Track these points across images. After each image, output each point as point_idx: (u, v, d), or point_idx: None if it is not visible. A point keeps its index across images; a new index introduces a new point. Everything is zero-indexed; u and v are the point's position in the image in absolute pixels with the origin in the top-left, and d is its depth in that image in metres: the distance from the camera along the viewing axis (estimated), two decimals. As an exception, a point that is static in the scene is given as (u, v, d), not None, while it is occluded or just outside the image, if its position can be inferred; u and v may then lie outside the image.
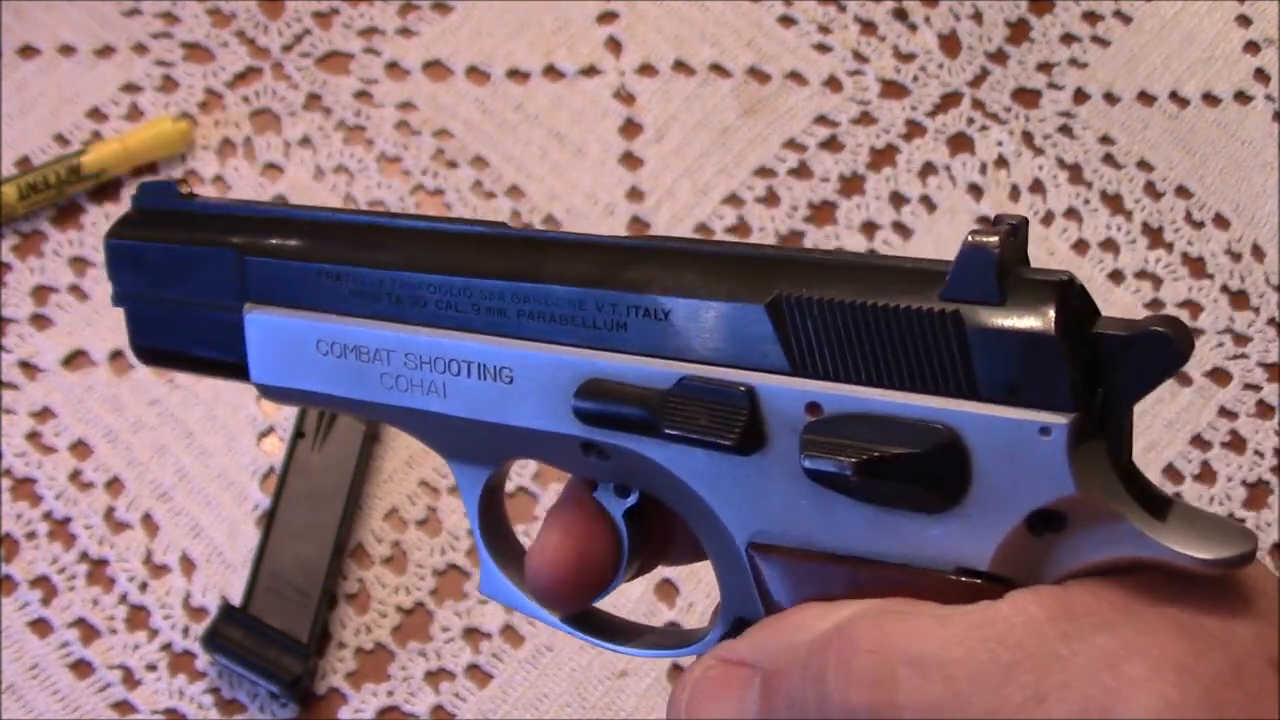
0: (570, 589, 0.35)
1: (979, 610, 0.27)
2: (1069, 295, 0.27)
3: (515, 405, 0.32)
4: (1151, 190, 0.81)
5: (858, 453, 0.27)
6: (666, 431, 0.30)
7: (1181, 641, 0.25)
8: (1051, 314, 0.26)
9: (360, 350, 0.34)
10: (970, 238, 0.27)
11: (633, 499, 0.34)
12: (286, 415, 0.69)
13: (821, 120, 0.80)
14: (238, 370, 0.37)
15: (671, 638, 0.36)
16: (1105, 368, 0.27)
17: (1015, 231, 0.28)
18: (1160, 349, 0.26)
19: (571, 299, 0.31)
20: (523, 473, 0.69)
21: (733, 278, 0.30)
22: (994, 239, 0.27)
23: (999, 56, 0.84)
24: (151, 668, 0.64)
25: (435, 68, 0.80)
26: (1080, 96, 0.83)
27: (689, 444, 0.30)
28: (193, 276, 0.37)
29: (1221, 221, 0.80)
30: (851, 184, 0.79)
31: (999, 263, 0.27)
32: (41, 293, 0.72)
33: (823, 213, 0.78)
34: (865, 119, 0.81)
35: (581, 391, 0.31)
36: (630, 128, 0.79)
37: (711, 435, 0.29)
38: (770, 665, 0.29)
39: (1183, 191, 0.81)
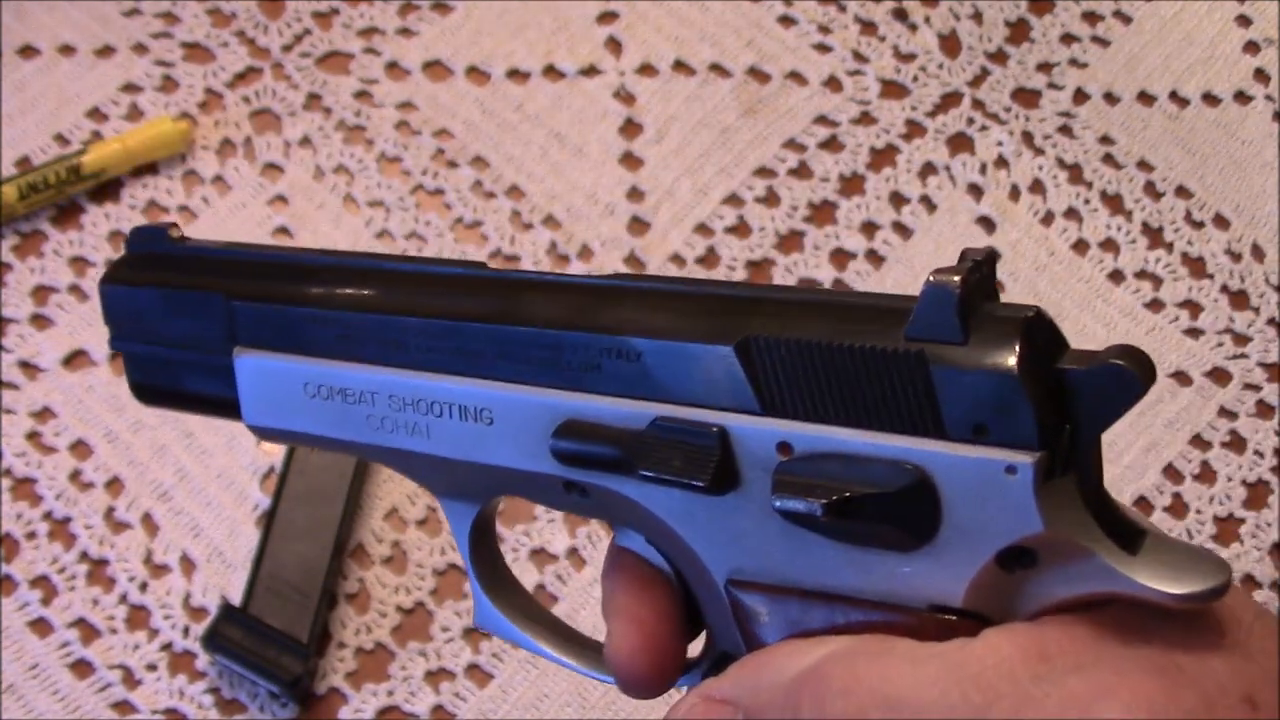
0: (654, 672, 0.35)
1: (953, 650, 0.27)
2: (1034, 331, 0.27)
3: (495, 445, 0.33)
4: (1151, 190, 0.81)
5: (827, 493, 0.27)
6: (641, 473, 0.30)
7: (1154, 680, 0.25)
8: (1014, 352, 0.26)
9: (346, 392, 0.35)
10: (932, 276, 0.27)
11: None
12: (286, 415, 0.69)
13: (821, 120, 0.80)
14: (232, 409, 0.37)
15: None
16: (1070, 402, 0.27)
17: (980, 268, 0.28)
18: (1122, 382, 0.26)
19: (546, 341, 0.32)
20: (523, 473, 0.69)
21: (703, 318, 0.30)
22: (956, 278, 0.27)
23: (999, 56, 0.83)
24: (151, 668, 0.64)
25: (435, 68, 0.80)
26: (1080, 96, 0.83)
27: (664, 484, 0.30)
28: (183, 320, 0.37)
29: (1221, 221, 0.80)
30: (851, 184, 0.79)
31: (961, 301, 0.27)
32: (41, 293, 0.72)
33: (823, 213, 0.78)
34: (865, 119, 0.81)
35: (558, 432, 0.32)
36: (630, 128, 0.79)
37: (685, 476, 0.30)
38: (750, 703, 0.29)
39: (1183, 191, 0.81)
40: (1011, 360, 0.26)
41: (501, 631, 0.37)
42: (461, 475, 0.34)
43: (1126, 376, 0.26)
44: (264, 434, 0.38)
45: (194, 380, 0.38)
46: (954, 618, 0.27)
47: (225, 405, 0.37)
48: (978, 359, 0.27)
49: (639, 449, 0.30)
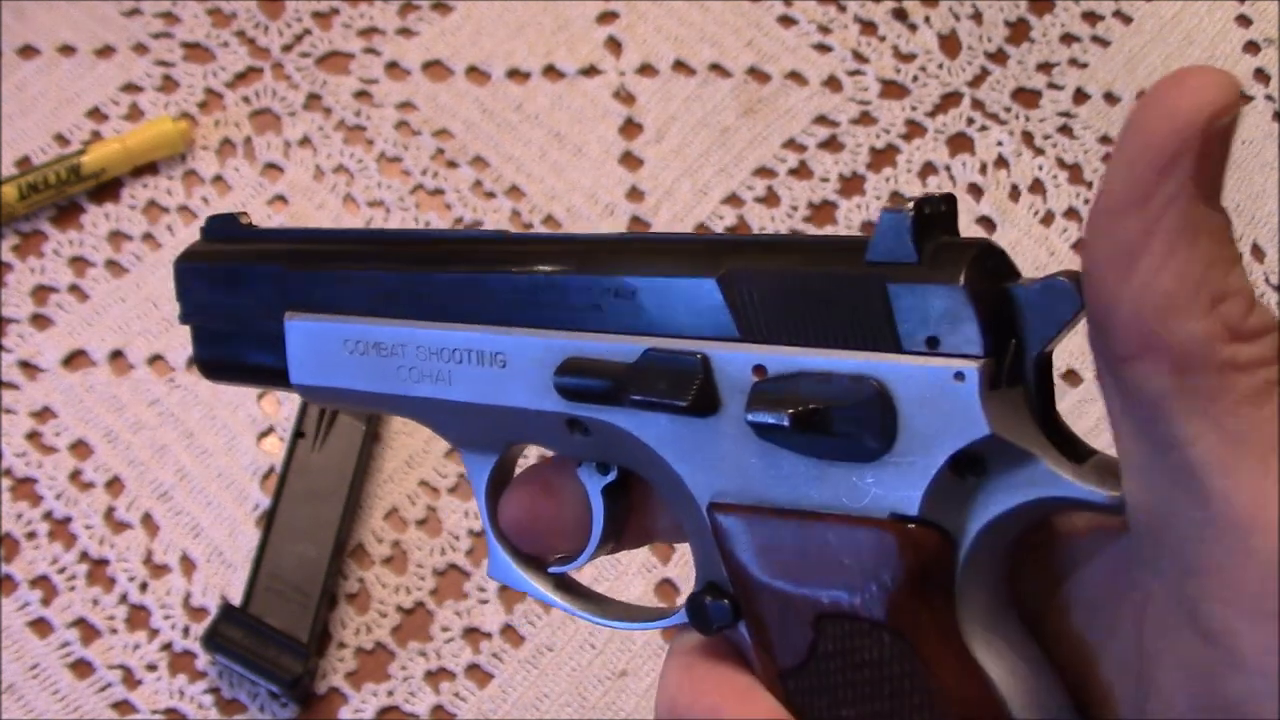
0: (529, 541, 0.38)
1: None
2: (984, 255, 0.29)
3: (508, 387, 0.35)
4: (1151, 190, 0.81)
5: (794, 405, 0.30)
6: (632, 398, 0.33)
7: None
8: (963, 269, 0.28)
9: (380, 346, 0.37)
10: (887, 204, 0.29)
11: (611, 476, 0.36)
12: (286, 415, 0.69)
13: (821, 120, 0.80)
14: (284, 378, 0.40)
15: (647, 612, 0.39)
16: (1016, 318, 0.29)
17: (937, 203, 0.30)
18: (1061, 294, 0.28)
19: (554, 285, 0.34)
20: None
21: (691, 258, 0.33)
22: (909, 204, 0.29)
23: (999, 56, 0.83)
24: (152, 667, 0.64)
25: (435, 68, 0.80)
26: (1080, 96, 0.83)
27: (653, 409, 0.33)
28: (245, 290, 0.40)
29: (1221, 221, 0.80)
30: (851, 184, 0.79)
31: (914, 224, 0.29)
32: (41, 293, 0.72)
33: (823, 213, 0.78)
34: (865, 119, 0.81)
35: (561, 369, 0.34)
36: (630, 128, 0.79)
37: (669, 398, 0.32)
38: None
39: (1183, 191, 0.81)
40: (960, 275, 0.28)
41: (513, 581, 0.39)
42: (480, 421, 0.37)
43: (1062, 288, 0.28)
44: (309, 393, 0.40)
45: (250, 348, 0.41)
46: (913, 525, 0.29)
47: (276, 372, 0.40)
48: (929, 275, 0.29)
49: (630, 377, 0.33)
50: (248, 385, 0.44)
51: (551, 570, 0.39)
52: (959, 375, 0.28)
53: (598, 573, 0.67)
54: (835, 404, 0.30)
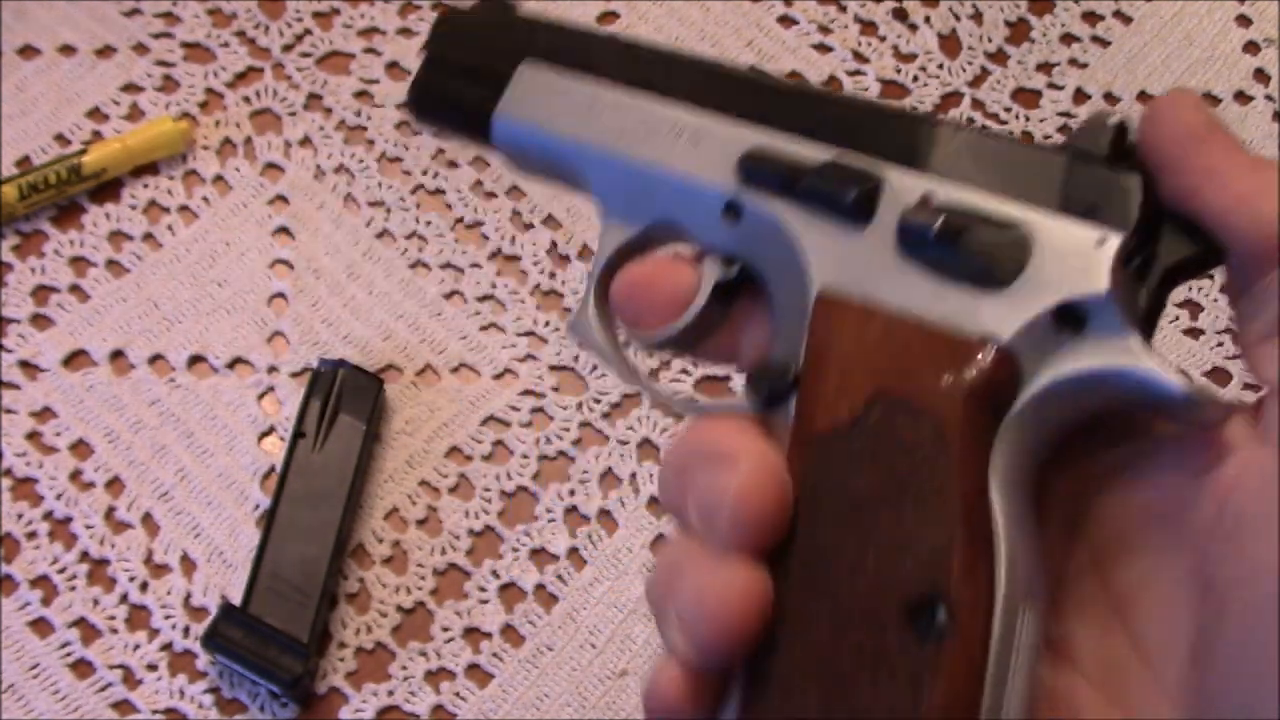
0: (629, 307, 0.37)
1: None
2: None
3: (694, 159, 0.37)
4: (1151, 190, 0.81)
5: (944, 219, 0.32)
6: (801, 188, 0.34)
7: None
8: (1141, 175, 0.31)
9: (595, 100, 0.39)
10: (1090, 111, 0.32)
11: (732, 273, 0.37)
12: (287, 415, 0.70)
13: (821, 120, 0.80)
14: (486, 118, 0.41)
15: (703, 405, 0.40)
16: (1161, 237, 0.31)
17: (1125, 131, 0.32)
18: (1211, 251, 0.30)
19: (783, 88, 0.37)
20: (523, 472, 0.69)
21: (913, 117, 0.35)
22: (1116, 113, 0.32)
23: (999, 56, 0.84)
24: (152, 667, 0.64)
25: (435, 68, 0.80)
26: (1080, 96, 0.83)
27: (815, 203, 0.34)
28: (496, 34, 0.42)
29: (1221, 221, 0.80)
30: (851, 184, 0.79)
31: (1115, 129, 0.31)
32: (41, 293, 0.72)
33: (823, 213, 0.78)
34: (865, 119, 0.80)
35: (750, 153, 0.36)
36: (630, 128, 0.79)
37: (835, 193, 0.33)
38: None
39: (1183, 191, 0.81)
40: (1138, 176, 0.31)
41: (591, 340, 0.39)
42: (642, 187, 0.38)
43: (1218, 249, 0.30)
44: (506, 131, 0.40)
45: (472, 87, 0.41)
46: (996, 349, 0.30)
47: (483, 115, 0.41)
48: (1112, 166, 0.31)
49: (808, 172, 0.34)
50: (449, 125, 0.44)
51: (632, 336, 0.39)
52: (1101, 240, 0.30)
53: (598, 572, 0.67)
54: (981, 231, 0.31)
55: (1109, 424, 0.32)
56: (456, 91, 0.42)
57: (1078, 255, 0.30)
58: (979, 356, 0.30)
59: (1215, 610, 0.26)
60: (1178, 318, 0.77)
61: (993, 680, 0.28)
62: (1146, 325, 0.31)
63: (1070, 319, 0.30)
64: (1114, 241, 0.30)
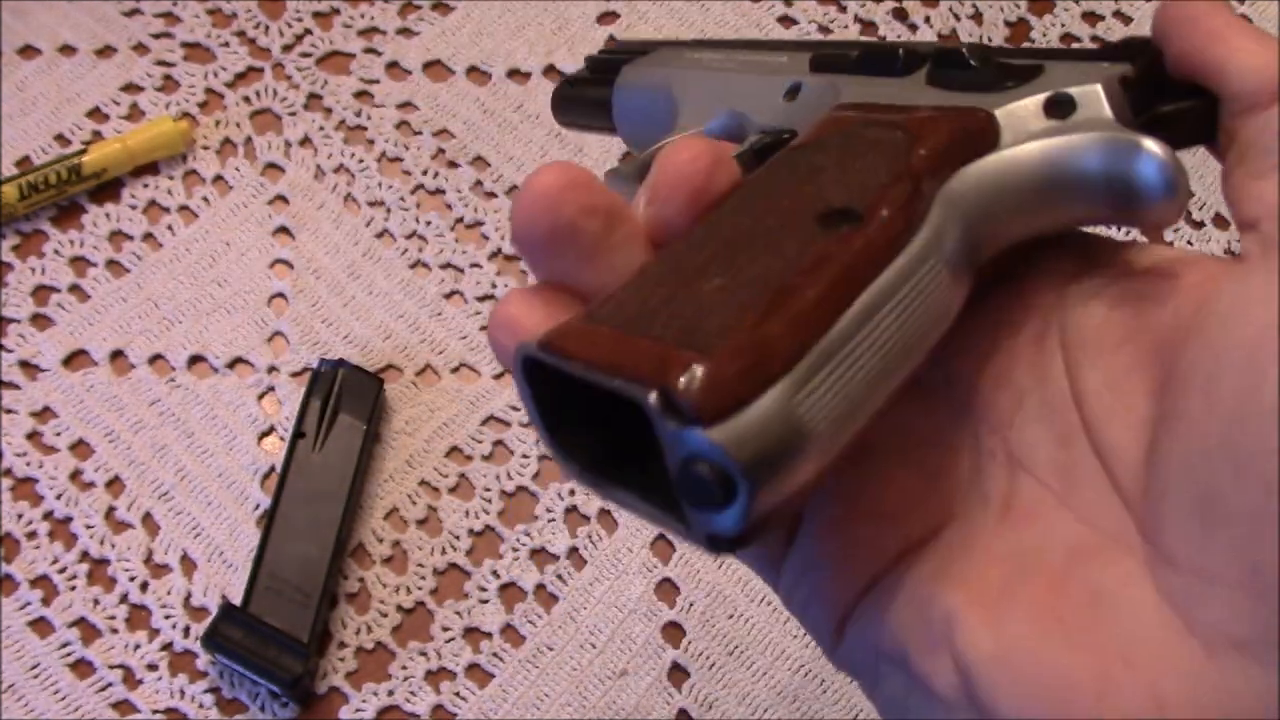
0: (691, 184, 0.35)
1: None
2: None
3: (767, 66, 0.40)
4: (1151, 190, 0.81)
5: (977, 48, 0.33)
6: (859, 59, 0.36)
7: None
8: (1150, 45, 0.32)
9: (684, 56, 0.45)
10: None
11: (767, 139, 0.38)
12: (287, 415, 0.70)
13: (821, 120, 0.80)
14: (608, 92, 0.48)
15: None
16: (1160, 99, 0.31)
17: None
18: (1207, 103, 0.30)
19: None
20: (523, 472, 0.69)
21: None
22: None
23: (999, 56, 0.83)
24: (152, 667, 0.64)
25: (436, 68, 0.80)
26: (1080, 96, 0.83)
27: (871, 66, 0.35)
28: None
29: (1221, 221, 0.80)
30: (852, 184, 0.79)
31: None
32: (41, 293, 0.72)
33: (823, 213, 0.78)
34: (865, 119, 0.81)
35: (818, 55, 0.38)
36: (630, 128, 0.79)
37: (889, 54, 0.35)
38: None
39: (1183, 191, 0.81)
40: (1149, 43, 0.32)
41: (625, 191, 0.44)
42: (723, 90, 0.41)
43: (1205, 92, 0.30)
44: (623, 89, 0.48)
45: (594, 86, 0.50)
46: (980, 111, 0.31)
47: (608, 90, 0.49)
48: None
49: (866, 52, 0.37)
50: (583, 110, 0.53)
51: None
52: (1103, 68, 0.31)
53: (598, 572, 0.67)
54: (1005, 57, 0.32)
55: (1079, 243, 0.33)
56: (584, 92, 0.52)
57: (1080, 71, 0.31)
58: (964, 111, 0.31)
59: (1170, 406, 0.27)
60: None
61: (882, 287, 0.27)
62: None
63: (1059, 106, 0.30)
64: (1114, 68, 0.31)
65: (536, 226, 0.28)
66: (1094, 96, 0.30)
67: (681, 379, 0.24)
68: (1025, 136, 0.30)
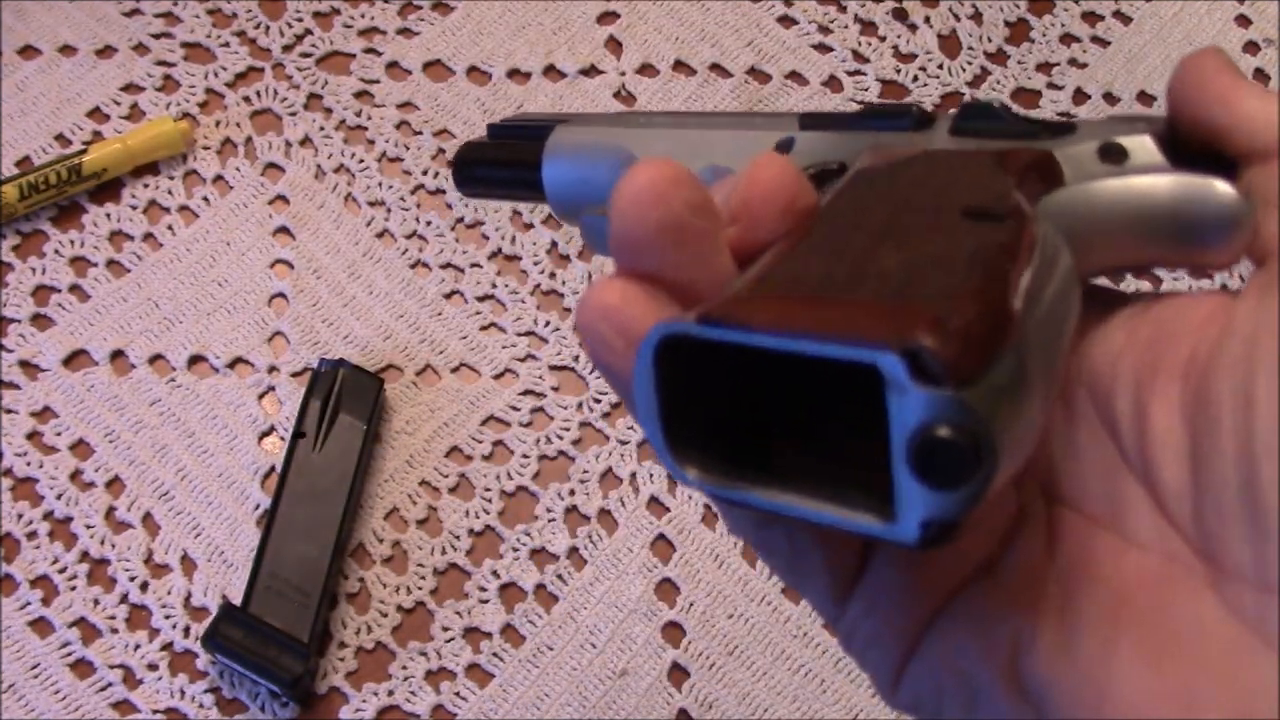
0: (785, 195, 0.33)
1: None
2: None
3: (745, 127, 0.39)
4: (1151, 190, 0.81)
5: (1000, 103, 0.34)
6: (864, 116, 0.36)
7: None
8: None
9: (635, 119, 0.42)
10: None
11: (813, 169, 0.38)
12: (287, 415, 0.70)
13: (821, 120, 0.80)
14: (535, 163, 0.44)
15: None
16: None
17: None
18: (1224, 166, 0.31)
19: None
20: (523, 472, 0.69)
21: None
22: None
23: (999, 56, 0.84)
24: (152, 667, 0.64)
25: (436, 68, 0.80)
26: (1080, 96, 0.83)
27: (880, 122, 0.36)
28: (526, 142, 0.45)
29: (1221, 221, 0.80)
30: (851, 184, 0.79)
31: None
32: (42, 293, 0.72)
33: (823, 213, 0.78)
34: (865, 119, 0.81)
35: (808, 113, 0.38)
36: (630, 128, 0.79)
37: (898, 112, 0.35)
38: None
39: (1183, 191, 0.81)
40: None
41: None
42: (700, 147, 0.40)
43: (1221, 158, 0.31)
44: (555, 165, 0.43)
45: (515, 148, 0.45)
46: (1049, 154, 0.32)
47: (534, 162, 0.44)
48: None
49: (862, 113, 0.37)
50: (498, 185, 0.48)
51: None
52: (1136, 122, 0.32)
53: (598, 572, 0.67)
54: (1026, 118, 0.33)
55: (1089, 293, 0.33)
56: (503, 152, 0.46)
57: (1109, 128, 0.32)
58: (1031, 149, 0.32)
59: (1207, 428, 0.27)
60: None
61: (1035, 274, 0.27)
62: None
63: (1113, 153, 0.31)
64: (1147, 123, 0.31)
65: (646, 222, 0.27)
66: (1146, 145, 0.31)
67: (929, 338, 0.22)
68: (1086, 177, 0.31)
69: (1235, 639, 0.25)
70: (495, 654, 0.66)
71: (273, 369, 0.71)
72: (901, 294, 0.24)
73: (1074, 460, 0.31)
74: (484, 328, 0.73)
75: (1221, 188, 0.29)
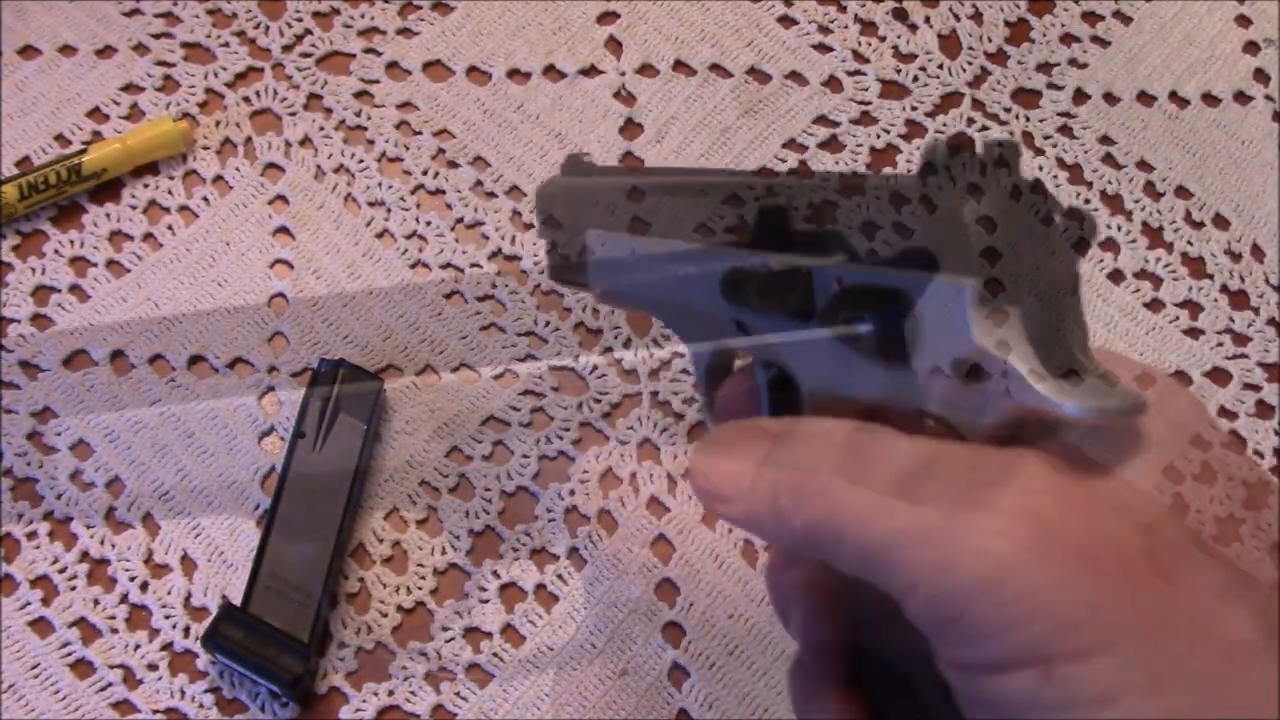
0: (730, 419, 0.43)
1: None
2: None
3: (707, 294, 0.44)
4: (1151, 190, 0.81)
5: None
6: (758, 302, 0.41)
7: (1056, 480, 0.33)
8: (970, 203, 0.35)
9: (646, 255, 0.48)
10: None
11: (772, 371, 0.43)
12: (287, 415, 0.70)
13: (821, 120, 0.80)
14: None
15: None
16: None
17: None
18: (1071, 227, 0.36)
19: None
20: (523, 472, 0.69)
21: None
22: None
23: (999, 56, 0.84)
24: (152, 667, 0.64)
25: (436, 68, 0.80)
26: (1080, 97, 0.83)
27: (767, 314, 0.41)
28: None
29: (1221, 221, 0.80)
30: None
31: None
32: (41, 293, 0.72)
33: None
34: (865, 119, 0.81)
35: (724, 275, 0.43)
36: (630, 128, 0.79)
37: (784, 305, 0.40)
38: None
39: (1182, 191, 0.81)
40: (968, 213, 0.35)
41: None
42: (693, 320, 0.46)
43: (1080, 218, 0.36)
44: (600, 274, 0.51)
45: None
46: (932, 422, 0.35)
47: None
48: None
49: (762, 284, 0.41)
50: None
51: None
52: (958, 291, 0.34)
53: (597, 571, 0.67)
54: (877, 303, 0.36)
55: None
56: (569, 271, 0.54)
57: (950, 313, 0.34)
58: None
59: None
60: (1178, 318, 0.77)
61: None
62: (1052, 333, 0.35)
63: (972, 370, 0.34)
64: (967, 291, 0.34)
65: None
66: (987, 358, 0.35)
67: None
68: (978, 416, 0.36)
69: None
70: (495, 654, 0.66)
71: (272, 369, 0.71)
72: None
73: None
74: (484, 328, 0.73)
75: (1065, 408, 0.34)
